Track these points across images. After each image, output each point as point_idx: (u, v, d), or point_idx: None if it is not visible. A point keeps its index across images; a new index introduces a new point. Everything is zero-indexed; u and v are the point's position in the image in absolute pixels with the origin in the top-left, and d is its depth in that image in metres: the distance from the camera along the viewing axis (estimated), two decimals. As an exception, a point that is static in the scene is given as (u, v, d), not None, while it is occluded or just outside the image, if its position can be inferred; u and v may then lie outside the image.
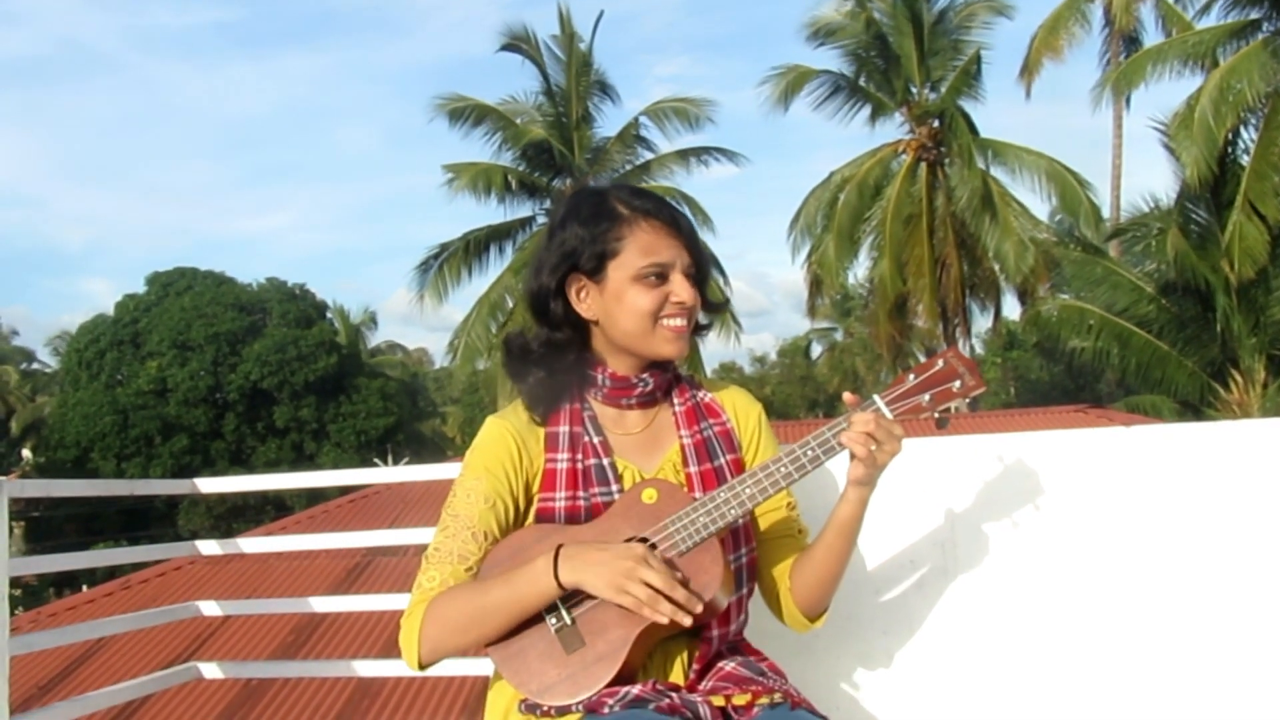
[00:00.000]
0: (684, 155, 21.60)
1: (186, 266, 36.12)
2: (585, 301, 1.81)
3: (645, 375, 1.83)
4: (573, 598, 1.69)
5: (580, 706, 1.64)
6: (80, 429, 31.92)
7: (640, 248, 1.77)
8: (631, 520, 1.71)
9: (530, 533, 1.75)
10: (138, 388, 33.00)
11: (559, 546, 1.67)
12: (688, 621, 1.61)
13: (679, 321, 1.78)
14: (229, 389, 33.45)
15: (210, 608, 2.89)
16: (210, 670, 2.88)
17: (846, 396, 1.72)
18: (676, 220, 1.79)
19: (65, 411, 32.70)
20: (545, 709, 1.66)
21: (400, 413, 35.60)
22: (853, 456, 1.71)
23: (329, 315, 37.21)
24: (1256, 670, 2.05)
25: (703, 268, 1.82)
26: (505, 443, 1.80)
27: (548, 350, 1.81)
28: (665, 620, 1.60)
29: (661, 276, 1.77)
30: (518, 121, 21.09)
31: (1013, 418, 19.34)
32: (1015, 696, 2.14)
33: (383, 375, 37.67)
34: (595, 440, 1.80)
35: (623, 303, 1.77)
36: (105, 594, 9.54)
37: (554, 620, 1.68)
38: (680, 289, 1.77)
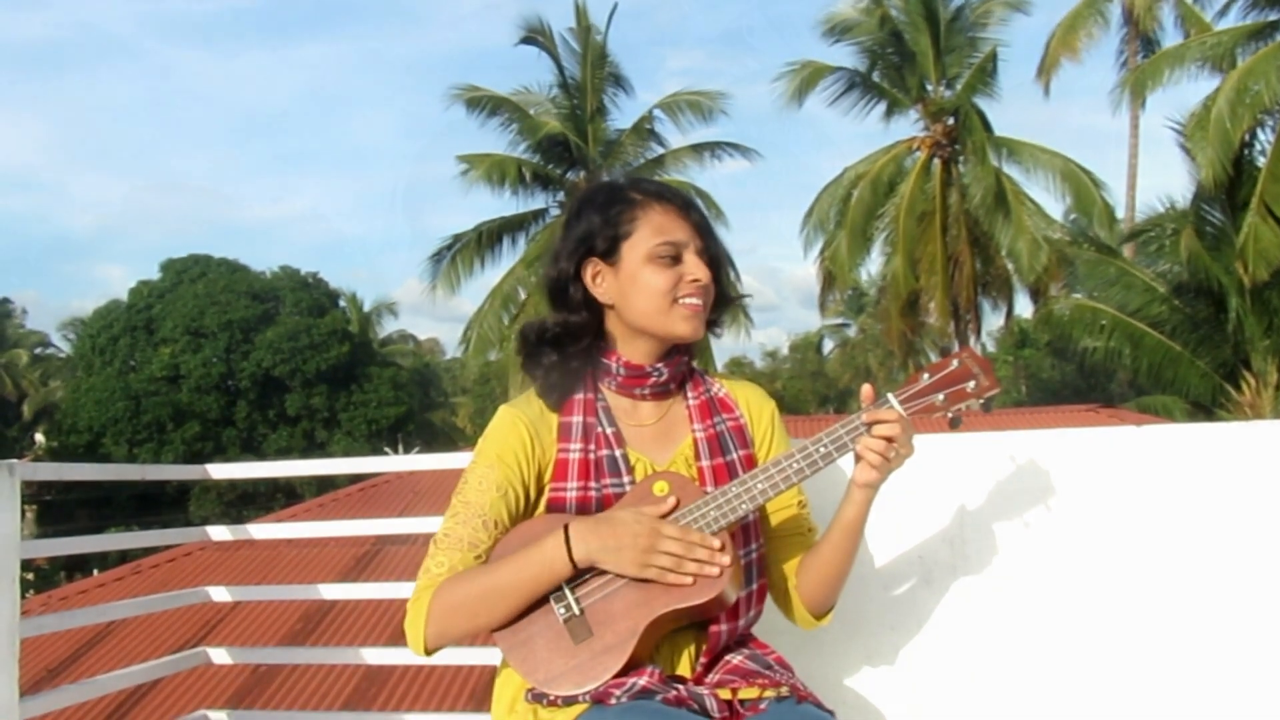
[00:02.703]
0: (697, 149, 21.57)
1: (200, 254, 36.25)
2: (601, 285, 1.82)
3: (660, 365, 1.82)
4: (581, 587, 1.69)
5: (587, 697, 1.64)
6: (93, 414, 32.07)
7: (654, 227, 1.79)
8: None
9: (541, 522, 1.75)
10: (150, 374, 33.13)
11: (566, 525, 1.67)
12: (712, 576, 1.64)
13: (695, 300, 1.78)
14: (241, 376, 33.55)
15: (220, 593, 2.90)
16: (219, 655, 2.89)
17: (865, 390, 1.72)
18: (689, 204, 1.82)
19: (78, 396, 32.86)
20: (552, 698, 1.66)
21: (411, 403, 35.66)
22: (858, 459, 1.71)
23: (341, 304, 37.29)
24: (1265, 670, 2.04)
25: (717, 253, 1.83)
26: (518, 432, 1.80)
27: (564, 334, 1.81)
28: (690, 582, 1.63)
29: (675, 256, 1.78)
30: (532, 113, 21.07)
31: (1024, 416, 19.30)
32: (1022, 694, 2.14)
33: (394, 365, 37.73)
34: (608, 431, 1.80)
35: (638, 282, 1.78)
36: (115, 578, 9.59)
37: (562, 610, 1.68)
38: (695, 268, 1.79)
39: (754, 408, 1.92)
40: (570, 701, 1.65)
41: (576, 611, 1.67)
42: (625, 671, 1.65)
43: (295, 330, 33.58)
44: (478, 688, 7.01)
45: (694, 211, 1.82)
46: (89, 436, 31.98)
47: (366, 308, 40.44)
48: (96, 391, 32.49)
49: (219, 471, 2.85)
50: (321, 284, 36.84)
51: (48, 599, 9.47)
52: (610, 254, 1.80)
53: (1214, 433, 2.08)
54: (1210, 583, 2.06)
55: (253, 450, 33.16)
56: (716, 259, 1.82)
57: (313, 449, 33.35)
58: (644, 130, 21.75)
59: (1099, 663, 2.10)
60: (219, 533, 2.89)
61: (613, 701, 1.61)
